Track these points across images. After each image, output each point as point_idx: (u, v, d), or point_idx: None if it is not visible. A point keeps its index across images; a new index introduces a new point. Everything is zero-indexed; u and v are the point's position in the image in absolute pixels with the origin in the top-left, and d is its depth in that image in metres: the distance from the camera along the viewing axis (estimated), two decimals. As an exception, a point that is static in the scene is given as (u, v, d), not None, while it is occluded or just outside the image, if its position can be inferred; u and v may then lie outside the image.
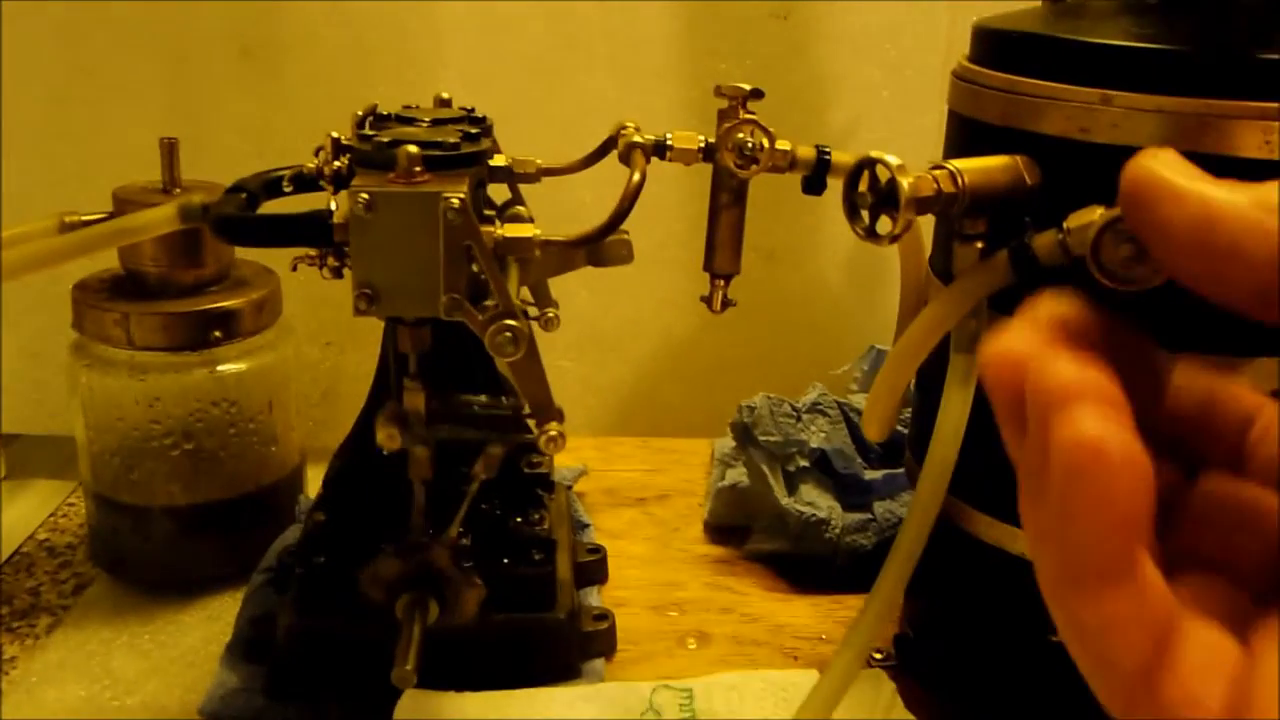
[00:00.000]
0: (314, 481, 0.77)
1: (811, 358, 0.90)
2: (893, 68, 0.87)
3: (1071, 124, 0.45)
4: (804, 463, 0.71)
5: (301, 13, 0.83)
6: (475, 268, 0.49)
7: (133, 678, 0.61)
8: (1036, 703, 0.53)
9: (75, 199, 0.63)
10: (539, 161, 0.64)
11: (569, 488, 0.77)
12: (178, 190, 0.68)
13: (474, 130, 0.54)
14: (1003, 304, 0.46)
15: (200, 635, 0.65)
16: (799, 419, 0.73)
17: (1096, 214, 0.39)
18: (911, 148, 0.79)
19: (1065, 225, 0.39)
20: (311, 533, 0.56)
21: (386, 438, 0.49)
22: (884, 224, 0.43)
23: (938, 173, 0.43)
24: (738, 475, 0.76)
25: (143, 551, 0.69)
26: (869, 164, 0.43)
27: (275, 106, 0.85)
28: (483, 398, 0.51)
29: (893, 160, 0.42)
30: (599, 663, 0.61)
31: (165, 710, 0.59)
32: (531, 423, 0.53)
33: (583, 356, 0.93)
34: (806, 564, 0.70)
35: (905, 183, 0.41)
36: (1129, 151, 0.26)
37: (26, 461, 0.85)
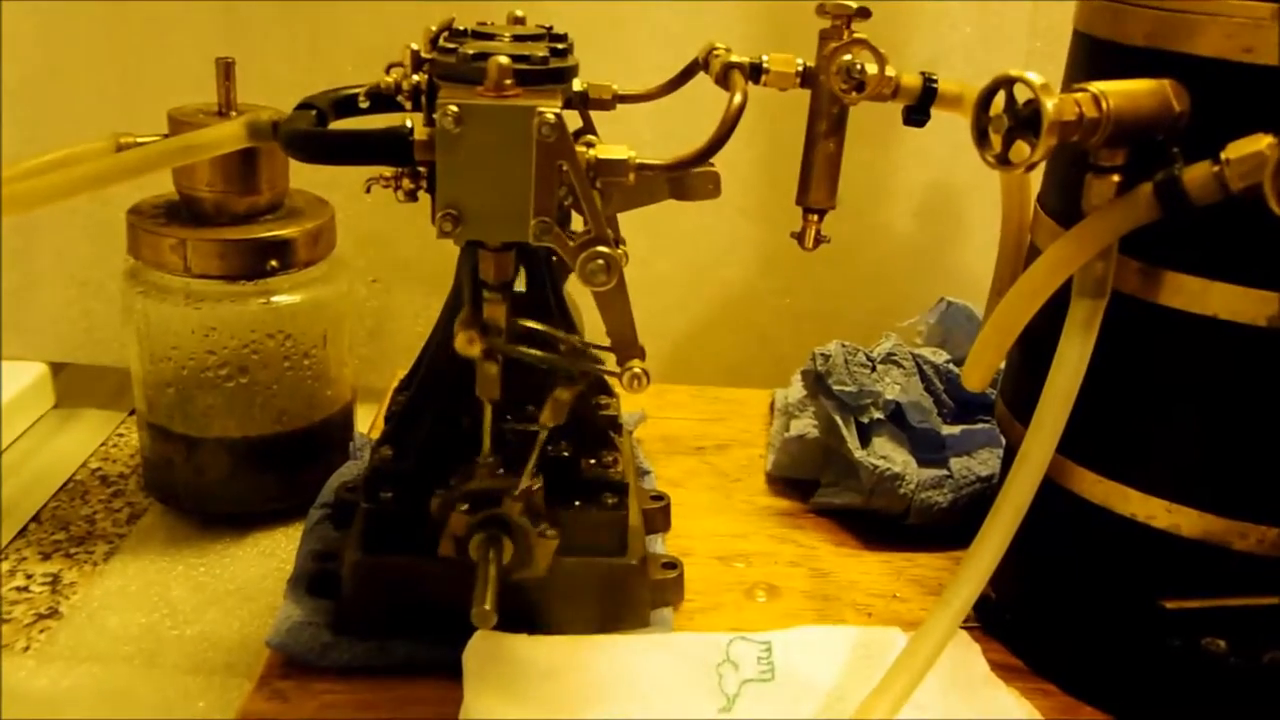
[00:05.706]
0: (363, 420, 0.76)
1: (874, 310, 0.87)
2: (977, 2, 0.82)
3: (1232, 43, 0.40)
4: (878, 415, 0.68)
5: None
6: (562, 191, 0.46)
7: (191, 608, 0.62)
8: (1137, 668, 0.51)
9: (120, 121, 0.61)
10: (615, 87, 0.61)
11: (630, 433, 0.75)
12: (233, 112, 0.65)
13: (560, 46, 0.51)
14: (1135, 246, 0.43)
15: (256, 570, 0.64)
16: (873, 369, 0.70)
17: (1264, 142, 0.36)
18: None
19: (1223, 156, 0.35)
20: (378, 468, 0.54)
21: (466, 341, 0.46)
22: (1019, 150, 0.39)
23: (1079, 96, 0.39)
24: (804, 426, 0.73)
25: (195, 482, 0.68)
26: (1006, 83, 0.40)
27: (322, 32, 0.82)
28: (575, 339, 0.48)
29: (1035, 79, 0.38)
30: (667, 612, 0.58)
31: (225, 640, 0.59)
32: (611, 359, 0.50)
33: (637, 301, 0.90)
34: (875, 520, 0.68)
35: (1050, 104, 0.38)
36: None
37: (75, 390, 0.85)
